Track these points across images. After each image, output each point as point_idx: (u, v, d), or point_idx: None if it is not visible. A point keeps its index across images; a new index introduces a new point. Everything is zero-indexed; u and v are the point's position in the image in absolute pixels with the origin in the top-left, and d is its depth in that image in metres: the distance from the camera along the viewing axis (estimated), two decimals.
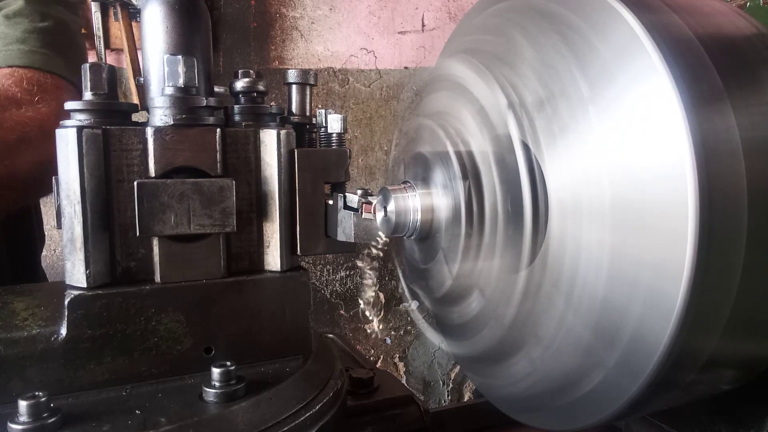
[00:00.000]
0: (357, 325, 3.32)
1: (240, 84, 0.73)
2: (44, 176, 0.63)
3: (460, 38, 0.96)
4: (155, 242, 0.67)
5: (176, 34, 0.69)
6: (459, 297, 0.87)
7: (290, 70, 0.79)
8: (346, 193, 0.76)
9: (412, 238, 0.86)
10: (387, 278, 3.34)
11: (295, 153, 0.73)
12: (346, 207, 0.75)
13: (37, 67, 1.13)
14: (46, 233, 1.57)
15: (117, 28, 2.76)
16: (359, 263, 0.79)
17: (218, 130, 0.68)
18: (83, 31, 1.50)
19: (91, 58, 2.65)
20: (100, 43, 2.73)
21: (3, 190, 1.06)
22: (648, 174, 0.61)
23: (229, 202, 0.67)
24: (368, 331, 0.83)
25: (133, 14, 2.75)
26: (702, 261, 0.57)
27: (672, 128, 0.58)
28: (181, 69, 0.66)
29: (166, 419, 0.60)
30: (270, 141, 0.71)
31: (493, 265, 0.79)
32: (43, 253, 1.56)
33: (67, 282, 0.66)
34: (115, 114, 0.68)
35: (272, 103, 0.75)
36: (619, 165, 0.63)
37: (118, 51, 2.79)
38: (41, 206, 1.52)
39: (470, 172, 0.79)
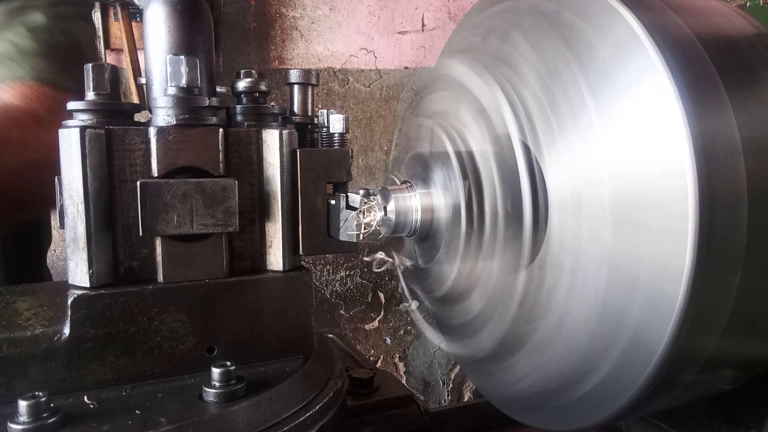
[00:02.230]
0: (357, 325, 3.32)
1: (242, 84, 0.73)
2: None
3: (461, 38, 0.96)
4: (158, 242, 0.67)
5: (179, 34, 0.69)
6: (459, 297, 0.88)
7: (292, 70, 0.79)
8: (349, 193, 0.76)
9: (412, 238, 0.87)
10: (387, 278, 3.35)
11: (298, 153, 0.73)
12: (349, 207, 0.75)
13: (60, 86, 1.15)
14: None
15: (117, 28, 2.76)
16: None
17: (221, 130, 0.68)
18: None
19: None
20: (100, 43, 2.73)
21: (28, 205, 1.10)
22: (648, 173, 0.61)
23: (232, 202, 0.67)
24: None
25: (133, 14, 2.75)
26: (702, 261, 0.58)
27: (672, 128, 0.58)
28: (183, 69, 0.66)
29: (166, 419, 0.60)
30: (272, 141, 0.72)
31: (493, 265, 0.79)
32: None
33: (70, 282, 0.66)
34: (117, 114, 0.68)
35: (272, 104, 0.75)
36: (619, 164, 0.63)
37: (118, 51, 2.79)
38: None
39: (470, 172, 0.80)
